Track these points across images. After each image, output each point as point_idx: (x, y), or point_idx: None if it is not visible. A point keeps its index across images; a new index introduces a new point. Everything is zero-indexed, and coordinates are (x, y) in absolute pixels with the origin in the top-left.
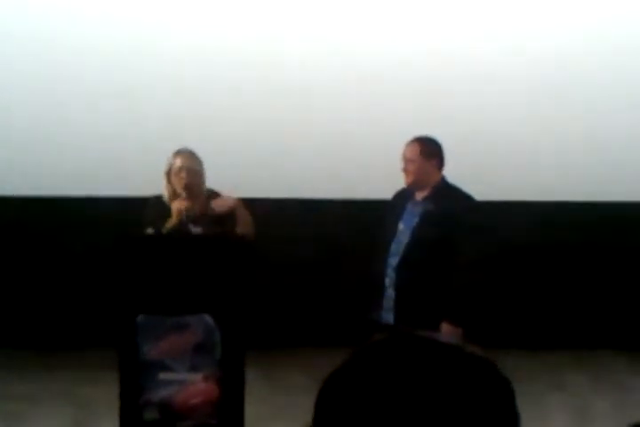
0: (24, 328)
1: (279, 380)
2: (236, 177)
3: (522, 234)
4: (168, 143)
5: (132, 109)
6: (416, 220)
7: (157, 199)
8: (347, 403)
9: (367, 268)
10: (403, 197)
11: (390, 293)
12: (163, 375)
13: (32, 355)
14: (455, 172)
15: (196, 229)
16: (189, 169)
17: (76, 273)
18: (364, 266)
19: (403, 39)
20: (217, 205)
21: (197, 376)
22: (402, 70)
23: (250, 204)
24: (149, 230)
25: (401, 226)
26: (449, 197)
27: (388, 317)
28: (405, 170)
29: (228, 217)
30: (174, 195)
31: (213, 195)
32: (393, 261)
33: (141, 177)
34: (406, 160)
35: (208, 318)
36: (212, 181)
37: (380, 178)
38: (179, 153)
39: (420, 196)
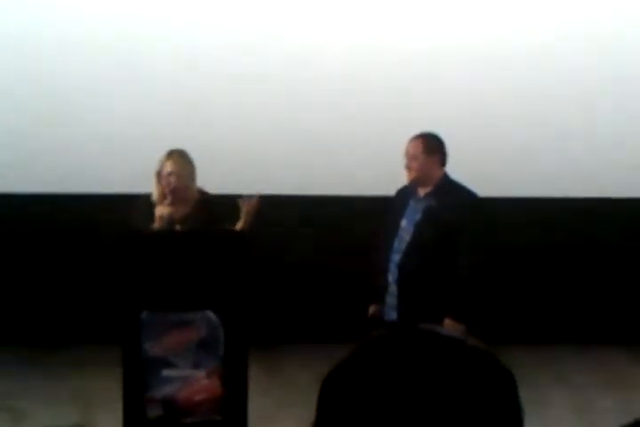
0: (27, 325)
1: (282, 376)
2: (233, 175)
3: (523, 230)
4: (167, 141)
5: (132, 108)
6: (419, 216)
7: (145, 200)
8: (349, 397)
9: (369, 264)
10: (405, 193)
11: (393, 289)
12: (166, 372)
13: (35, 352)
14: (457, 168)
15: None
16: (179, 174)
17: (79, 269)
18: (367, 262)
19: (403, 36)
20: (245, 205)
21: (201, 373)
22: (402, 67)
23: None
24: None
25: (404, 222)
26: (451, 194)
27: (392, 313)
28: (408, 166)
29: (221, 218)
30: (162, 196)
31: (204, 195)
32: (396, 257)
33: (140, 174)
34: (409, 157)
35: (211, 315)
36: (210, 179)
37: (383, 175)
38: (171, 155)
39: (422, 192)
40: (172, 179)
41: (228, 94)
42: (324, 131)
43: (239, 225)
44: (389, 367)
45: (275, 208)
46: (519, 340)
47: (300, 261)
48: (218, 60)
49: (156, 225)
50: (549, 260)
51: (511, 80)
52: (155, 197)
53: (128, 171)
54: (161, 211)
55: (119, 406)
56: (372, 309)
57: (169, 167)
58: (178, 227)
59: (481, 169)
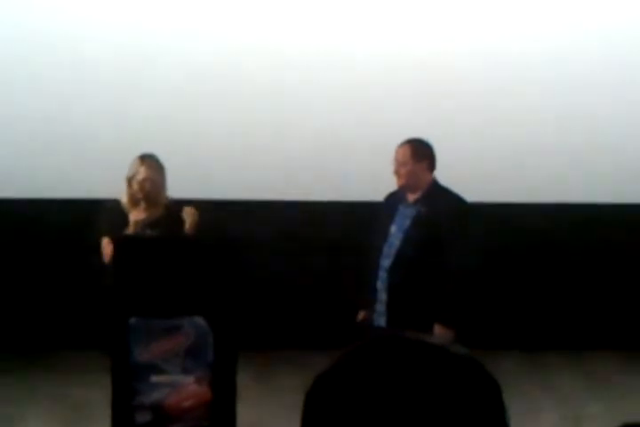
0: (16, 331)
1: (271, 382)
2: (229, 179)
3: (512, 237)
4: (167, 144)
5: (125, 111)
6: (408, 222)
7: (114, 205)
8: (334, 405)
9: (359, 270)
10: (394, 199)
11: (382, 295)
12: (155, 378)
13: (24, 358)
14: (452, 174)
15: (152, 234)
16: (154, 180)
17: (67, 275)
18: (356, 268)
19: (400, 41)
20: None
21: (189, 379)
22: (398, 72)
23: (236, 205)
24: (105, 240)
25: (393, 228)
26: (440, 199)
27: (380, 320)
28: (397, 172)
29: (179, 222)
30: (133, 201)
31: (173, 203)
32: (385, 263)
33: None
34: (398, 163)
35: (200, 321)
36: (208, 183)
37: (372, 180)
38: (144, 160)
39: (411, 198)
40: (147, 185)
41: (224, 100)
42: (318, 136)
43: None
44: (373, 376)
45: (264, 213)
46: (507, 346)
47: (289, 266)
48: (210, 63)
49: (130, 230)
50: (537, 267)
51: (510, 85)
52: (125, 202)
53: (102, 176)
54: (135, 216)
55: (108, 412)
56: (360, 315)
57: (143, 173)
58: (150, 231)
59: (477, 173)
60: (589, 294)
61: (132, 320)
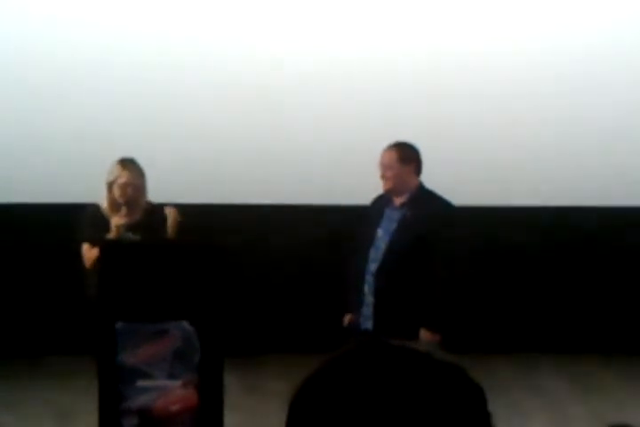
0: (4, 336)
1: (258, 387)
2: (222, 183)
3: (499, 240)
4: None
5: (110, 114)
6: (394, 225)
7: (93, 211)
8: (318, 411)
9: (345, 273)
10: (381, 202)
11: (369, 299)
12: (141, 382)
13: (10, 363)
14: (440, 177)
15: (134, 238)
16: (135, 184)
17: (52, 280)
18: (344, 273)
19: (396, 43)
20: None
21: (176, 383)
22: (393, 73)
23: (231, 210)
24: (86, 245)
25: (379, 232)
26: (427, 203)
27: (367, 323)
28: (383, 176)
29: (161, 225)
30: (114, 206)
31: (151, 206)
32: (372, 267)
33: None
34: (384, 166)
35: (187, 325)
36: (205, 187)
37: (358, 184)
38: (125, 165)
39: (398, 201)
40: (129, 189)
41: (214, 102)
42: (306, 139)
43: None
44: (357, 383)
45: (252, 218)
46: (494, 350)
47: (277, 271)
48: (199, 66)
49: (113, 235)
50: (524, 270)
51: (507, 87)
52: (105, 206)
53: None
54: (117, 221)
55: (95, 417)
56: (347, 318)
57: (125, 178)
58: (131, 236)
59: (464, 177)
60: (576, 298)
61: (119, 325)
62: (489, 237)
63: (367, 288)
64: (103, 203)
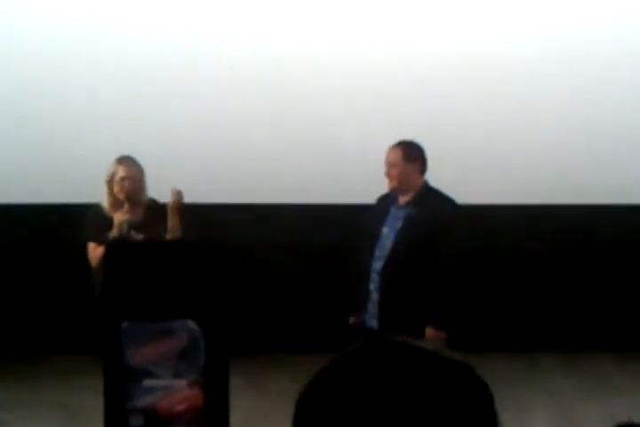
0: (7, 336)
1: (264, 386)
2: (218, 183)
3: (505, 238)
4: (162, 148)
5: (113, 115)
6: (399, 224)
7: (96, 211)
8: (325, 409)
9: (351, 272)
10: (386, 201)
11: (375, 297)
12: (147, 382)
13: (17, 363)
14: (448, 175)
15: (137, 236)
16: (133, 178)
17: (57, 280)
18: (349, 271)
19: (399, 40)
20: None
21: (182, 382)
22: (395, 74)
23: (236, 209)
24: (92, 245)
25: (385, 230)
26: (432, 201)
27: (372, 322)
28: (388, 174)
29: (163, 222)
30: (115, 204)
31: (154, 203)
32: (377, 265)
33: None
34: (389, 165)
35: (192, 324)
36: (203, 187)
37: (364, 182)
38: (121, 162)
39: (403, 200)
40: (127, 183)
41: (215, 101)
42: (309, 138)
43: (170, 235)
44: (364, 381)
45: (258, 217)
46: (501, 347)
47: (283, 270)
48: (207, 64)
49: (115, 232)
50: (530, 267)
51: (507, 85)
52: (107, 205)
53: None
54: (119, 218)
55: (101, 416)
56: (352, 317)
57: (122, 172)
58: (134, 233)
59: (468, 175)
60: (581, 295)
61: (124, 324)
62: (492, 235)
63: (372, 286)
64: (104, 202)
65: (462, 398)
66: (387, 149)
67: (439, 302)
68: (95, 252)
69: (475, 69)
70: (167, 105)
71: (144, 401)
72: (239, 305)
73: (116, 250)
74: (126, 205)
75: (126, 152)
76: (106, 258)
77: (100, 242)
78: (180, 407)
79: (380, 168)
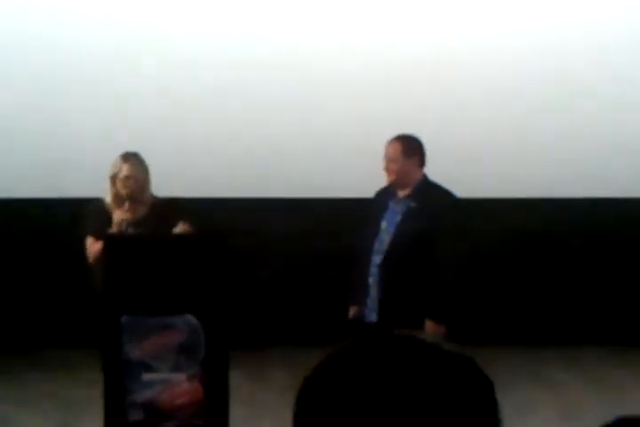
0: (7, 330)
1: (264, 380)
2: (220, 177)
3: (504, 231)
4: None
5: (126, 111)
6: (399, 217)
7: (97, 205)
8: (326, 402)
9: (350, 266)
10: (385, 195)
11: (373, 290)
12: (147, 376)
13: (17, 357)
14: (450, 169)
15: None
16: (137, 177)
17: (57, 274)
18: (348, 265)
19: (398, 35)
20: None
21: (181, 376)
22: (394, 69)
23: (235, 203)
24: (90, 239)
25: (384, 224)
26: (431, 195)
27: (372, 316)
28: (387, 168)
29: (164, 221)
30: (117, 199)
31: (158, 200)
32: (376, 259)
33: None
34: (388, 159)
35: (191, 319)
36: (205, 182)
37: (363, 176)
38: (126, 160)
39: (402, 194)
40: (131, 182)
41: (222, 98)
42: (310, 133)
43: (184, 227)
44: (365, 374)
45: (258, 211)
46: (501, 341)
47: (282, 263)
48: (206, 62)
49: (114, 229)
50: (531, 261)
51: (505, 81)
52: (109, 200)
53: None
54: (120, 215)
55: (100, 410)
56: (352, 311)
57: (126, 171)
58: (133, 230)
59: (472, 170)
60: (585, 290)
61: (124, 318)
62: (494, 228)
63: (371, 280)
64: (107, 197)
65: (464, 391)
66: (385, 143)
67: (439, 296)
68: (93, 247)
69: (478, 62)
70: (166, 101)
71: (144, 395)
72: (239, 299)
73: (115, 244)
74: (127, 204)
75: (130, 148)
76: (105, 252)
77: (98, 236)
78: (179, 401)
79: (379, 162)
